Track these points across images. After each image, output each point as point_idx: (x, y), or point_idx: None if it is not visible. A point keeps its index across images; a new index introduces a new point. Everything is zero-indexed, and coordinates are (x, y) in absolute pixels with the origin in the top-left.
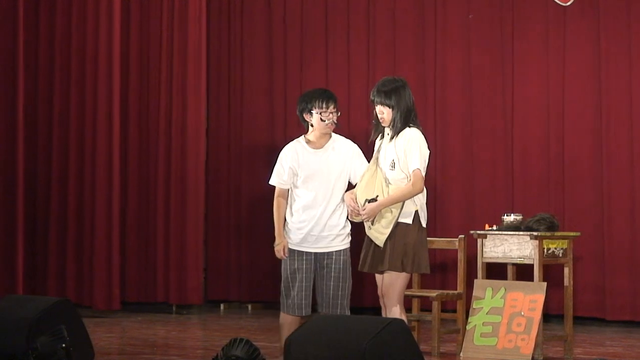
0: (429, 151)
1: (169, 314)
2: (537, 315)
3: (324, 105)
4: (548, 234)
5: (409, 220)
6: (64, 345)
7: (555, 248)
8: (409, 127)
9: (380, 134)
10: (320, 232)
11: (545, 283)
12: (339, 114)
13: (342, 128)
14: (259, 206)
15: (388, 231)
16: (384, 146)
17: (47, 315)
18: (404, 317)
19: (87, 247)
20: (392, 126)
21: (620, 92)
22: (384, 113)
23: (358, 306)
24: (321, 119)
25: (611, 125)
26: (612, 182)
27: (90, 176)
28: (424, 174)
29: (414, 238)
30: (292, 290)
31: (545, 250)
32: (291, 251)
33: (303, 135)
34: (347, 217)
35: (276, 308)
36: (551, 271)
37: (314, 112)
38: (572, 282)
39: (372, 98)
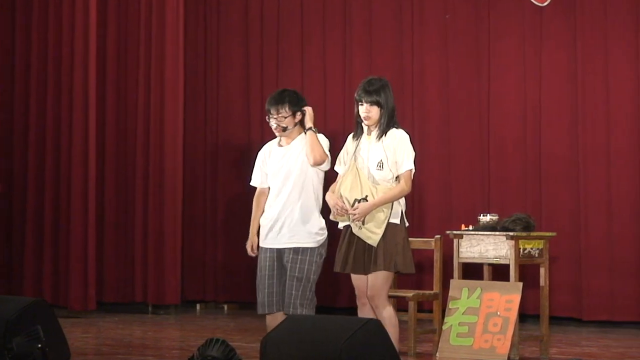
0: (415, 152)
1: (145, 314)
2: (513, 315)
3: (268, 109)
4: (524, 234)
5: (397, 220)
6: (39, 345)
7: (532, 248)
8: (395, 127)
9: (358, 135)
10: (280, 228)
11: (521, 283)
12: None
13: (319, 126)
14: (235, 206)
15: (381, 231)
16: (366, 146)
17: (22, 316)
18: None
19: (63, 247)
20: (379, 126)
21: (597, 92)
22: (370, 112)
23: (332, 306)
24: (270, 123)
25: (588, 125)
26: (588, 182)
27: (66, 176)
28: (413, 174)
29: (402, 238)
30: (258, 288)
31: (521, 251)
32: (260, 249)
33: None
34: (318, 217)
35: (252, 308)
36: (527, 271)
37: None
38: (548, 282)
39: (359, 98)
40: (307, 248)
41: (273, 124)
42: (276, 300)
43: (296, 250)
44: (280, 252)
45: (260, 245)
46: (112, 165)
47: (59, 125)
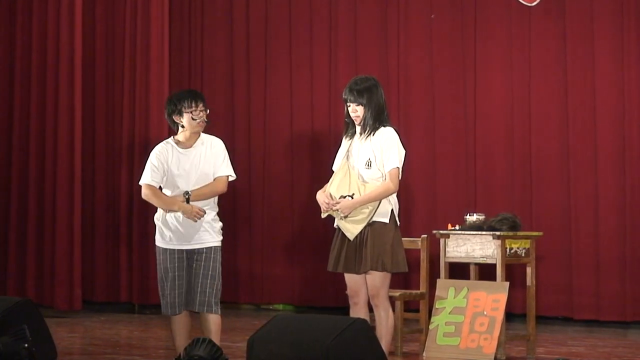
0: (404, 151)
1: (131, 314)
2: (500, 314)
3: (193, 105)
4: (510, 233)
5: (386, 220)
6: (26, 345)
7: (518, 248)
8: (384, 126)
9: (350, 134)
10: (187, 229)
11: (508, 282)
12: (208, 111)
13: (305, 128)
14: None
15: (361, 227)
16: (357, 145)
17: (9, 315)
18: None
19: (49, 246)
20: (363, 124)
21: (585, 92)
22: (357, 112)
23: (323, 306)
24: (192, 117)
25: (577, 125)
26: (578, 181)
27: (51, 176)
28: (401, 173)
29: (392, 237)
30: (166, 290)
31: (507, 250)
32: (163, 250)
33: (172, 137)
34: (217, 213)
35: (238, 308)
36: (514, 271)
37: (184, 112)
38: (534, 281)
39: (345, 97)
40: (216, 247)
41: (199, 118)
42: (185, 301)
43: (208, 249)
44: (188, 252)
45: (165, 247)
46: (99, 164)
47: (44, 124)
